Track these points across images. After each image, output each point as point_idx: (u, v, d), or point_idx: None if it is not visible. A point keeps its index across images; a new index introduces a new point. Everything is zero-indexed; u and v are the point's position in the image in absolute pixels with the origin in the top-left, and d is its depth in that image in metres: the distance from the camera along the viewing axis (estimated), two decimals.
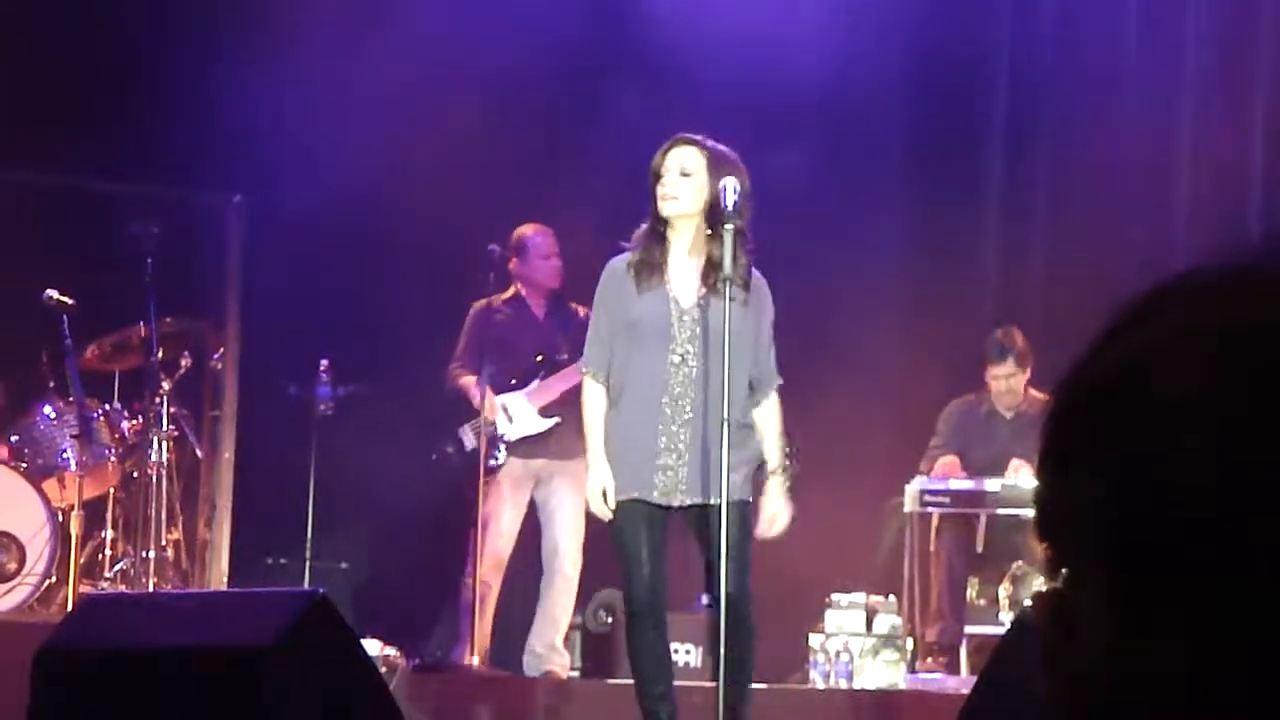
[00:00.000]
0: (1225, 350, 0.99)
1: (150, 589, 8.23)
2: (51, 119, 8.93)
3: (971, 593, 8.54)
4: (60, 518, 8.19)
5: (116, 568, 8.55)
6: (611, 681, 7.94)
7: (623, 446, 6.06)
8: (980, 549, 8.47)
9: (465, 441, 8.40)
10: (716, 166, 6.03)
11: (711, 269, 6.05)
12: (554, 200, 9.19)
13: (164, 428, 8.61)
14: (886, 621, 8.46)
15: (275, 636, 4.26)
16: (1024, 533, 8.13)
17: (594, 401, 6.15)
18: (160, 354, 8.60)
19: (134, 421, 8.60)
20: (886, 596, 8.53)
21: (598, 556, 7.97)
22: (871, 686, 8.28)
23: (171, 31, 9.54)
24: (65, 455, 8.35)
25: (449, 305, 8.91)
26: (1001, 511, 8.31)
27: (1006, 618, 8.13)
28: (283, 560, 9.07)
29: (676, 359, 6.05)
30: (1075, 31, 9.84)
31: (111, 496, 8.63)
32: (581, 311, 7.84)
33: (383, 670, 6.51)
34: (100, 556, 8.58)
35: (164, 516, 8.56)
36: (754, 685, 6.13)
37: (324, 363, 8.77)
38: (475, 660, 8.22)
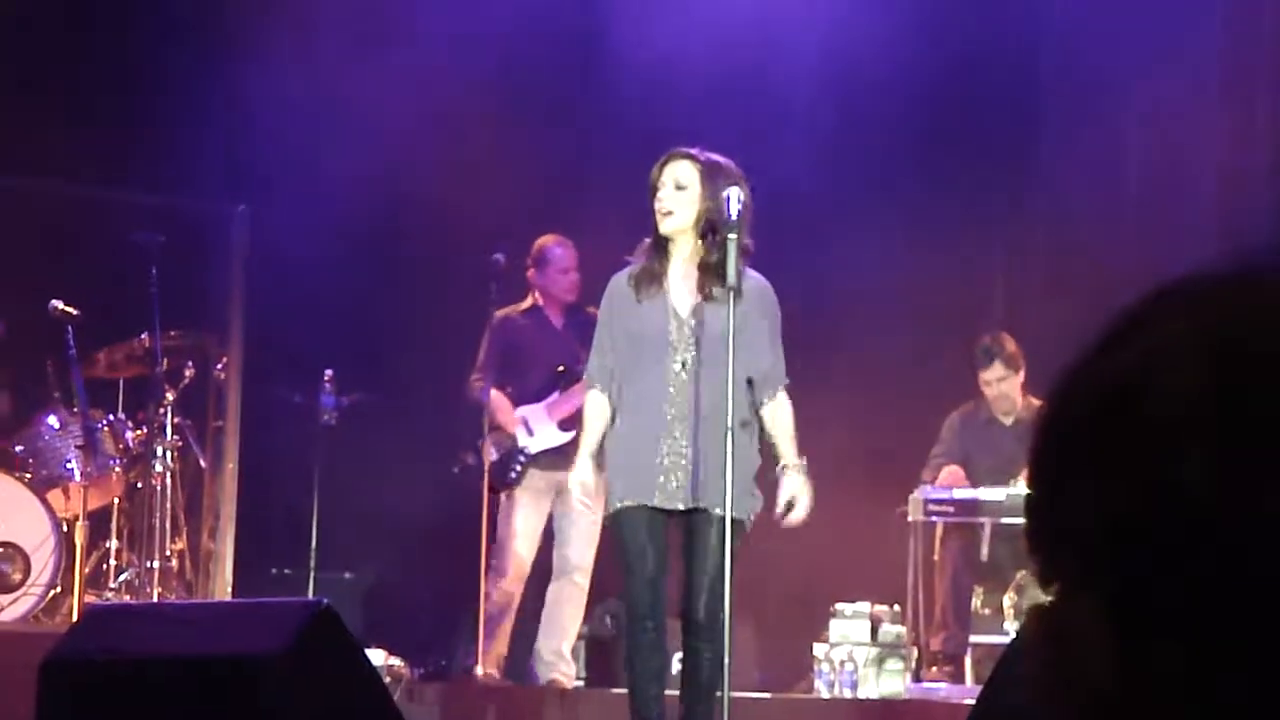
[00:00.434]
0: (1226, 356, 0.98)
1: (155, 599, 8.24)
2: (56, 129, 8.93)
3: (976, 602, 8.53)
4: (65, 528, 8.18)
5: (121, 578, 8.55)
6: (615, 691, 7.92)
7: (626, 454, 6.12)
8: (985, 558, 8.46)
9: (488, 453, 8.35)
10: (711, 178, 6.06)
11: (706, 278, 6.07)
12: (560, 210, 9.19)
13: (168, 438, 8.62)
14: (891, 631, 8.46)
15: (280, 646, 4.27)
16: None
17: (595, 409, 6.23)
18: (165, 364, 8.61)
19: (138, 432, 8.60)
20: (891, 606, 8.52)
21: (603, 567, 7.97)
22: (876, 696, 8.28)
23: (177, 42, 9.55)
24: (70, 466, 8.34)
25: (453, 315, 8.91)
26: (1006, 520, 8.29)
27: (1011, 627, 8.12)
28: (287, 570, 9.08)
29: (676, 367, 6.08)
30: (1081, 35, 9.84)
31: (116, 507, 8.63)
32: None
33: (387, 680, 6.51)
34: (105, 567, 8.57)
35: (168, 526, 8.57)
36: (755, 694, 6.13)
37: (328, 372, 8.77)
38: (492, 671, 8.21)
